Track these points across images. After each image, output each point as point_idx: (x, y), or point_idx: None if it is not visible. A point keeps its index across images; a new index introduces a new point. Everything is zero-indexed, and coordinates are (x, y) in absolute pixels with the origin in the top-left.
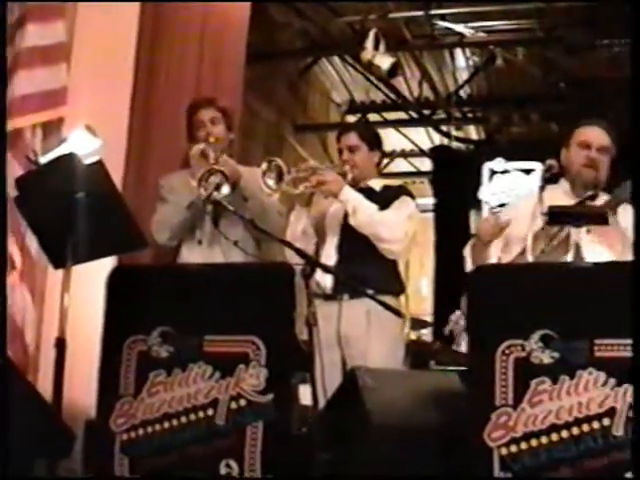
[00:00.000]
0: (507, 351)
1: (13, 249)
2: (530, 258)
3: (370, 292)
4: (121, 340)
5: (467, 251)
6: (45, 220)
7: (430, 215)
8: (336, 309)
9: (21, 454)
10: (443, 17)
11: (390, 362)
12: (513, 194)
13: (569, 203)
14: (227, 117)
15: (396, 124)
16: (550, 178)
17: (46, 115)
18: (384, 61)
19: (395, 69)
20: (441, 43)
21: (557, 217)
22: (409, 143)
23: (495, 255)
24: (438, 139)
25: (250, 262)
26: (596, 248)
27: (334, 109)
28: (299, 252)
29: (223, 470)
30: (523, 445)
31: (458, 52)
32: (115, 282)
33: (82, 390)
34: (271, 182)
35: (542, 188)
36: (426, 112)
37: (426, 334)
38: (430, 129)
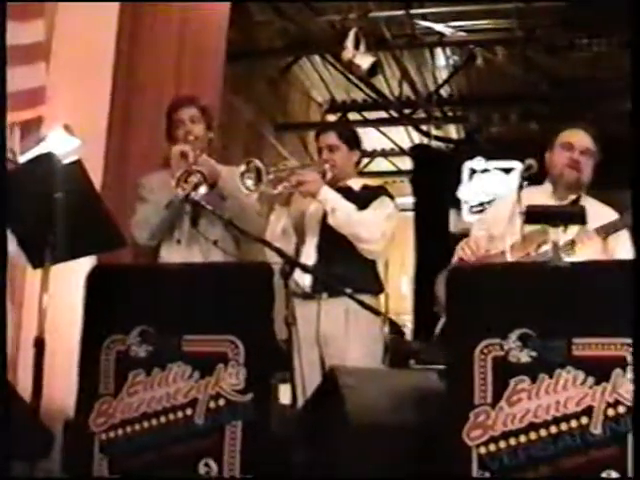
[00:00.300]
0: (485, 350)
1: None
2: (509, 258)
3: (349, 291)
4: (100, 340)
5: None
6: (23, 220)
7: (410, 214)
8: (315, 308)
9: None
10: (424, 16)
11: (369, 361)
12: (493, 193)
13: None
14: (207, 116)
15: (376, 123)
16: (529, 177)
17: (25, 114)
18: (364, 60)
19: (375, 68)
20: (421, 42)
21: (535, 216)
22: (389, 142)
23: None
24: (418, 138)
25: (229, 262)
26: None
27: (314, 108)
28: (278, 251)
29: (202, 470)
30: (502, 444)
31: (438, 51)
32: (94, 282)
33: (61, 390)
34: (250, 183)
35: (521, 187)
36: (406, 111)
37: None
38: (410, 128)
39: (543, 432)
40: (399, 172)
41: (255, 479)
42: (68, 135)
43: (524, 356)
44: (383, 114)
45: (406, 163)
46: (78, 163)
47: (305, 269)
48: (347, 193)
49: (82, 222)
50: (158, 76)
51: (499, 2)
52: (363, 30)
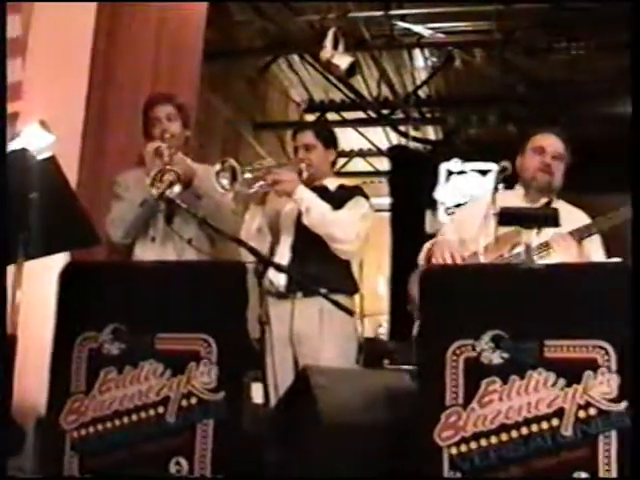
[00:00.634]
0: (458, 351)
1: None
2: (482, 259)
3: (323, 291)
4: (73, 337)
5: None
6: None
7: (387, 214)
8: (289, 307)
9: None
10: (403, 17)
11: (342, 361)
12: (469, 195)
13: None
14: (184, 114)
15: (354, 123)
16: (504, 180)
17: None
18: (343, 60)
19: (354, 68)
20: (400, 43)
21: (508, 218)
22: (367, 142)
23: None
24: (396, 139)
25: (203, 260)
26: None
27: (293, 107)
28: (252, 250)
29: (173, 468)
30: (473, 445)
31: (417, 53)
32: (67, 278)
33: (33, 387)
34: (225, 182)
35: (495, 189)
36: (384, 112)
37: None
38: (388, 129)
39: (514, 433)
40: (376, 172)
41: (226, 478)
42: (44, 131)
43: (496, 357)
44: (361, 114)
45: (384, 164)
46: (52, 159)
47: (279, 268)
48: (323, 192)
49: (56, 219)
50: (135, 74)
51: (478, 4)
52: (342, 30)
